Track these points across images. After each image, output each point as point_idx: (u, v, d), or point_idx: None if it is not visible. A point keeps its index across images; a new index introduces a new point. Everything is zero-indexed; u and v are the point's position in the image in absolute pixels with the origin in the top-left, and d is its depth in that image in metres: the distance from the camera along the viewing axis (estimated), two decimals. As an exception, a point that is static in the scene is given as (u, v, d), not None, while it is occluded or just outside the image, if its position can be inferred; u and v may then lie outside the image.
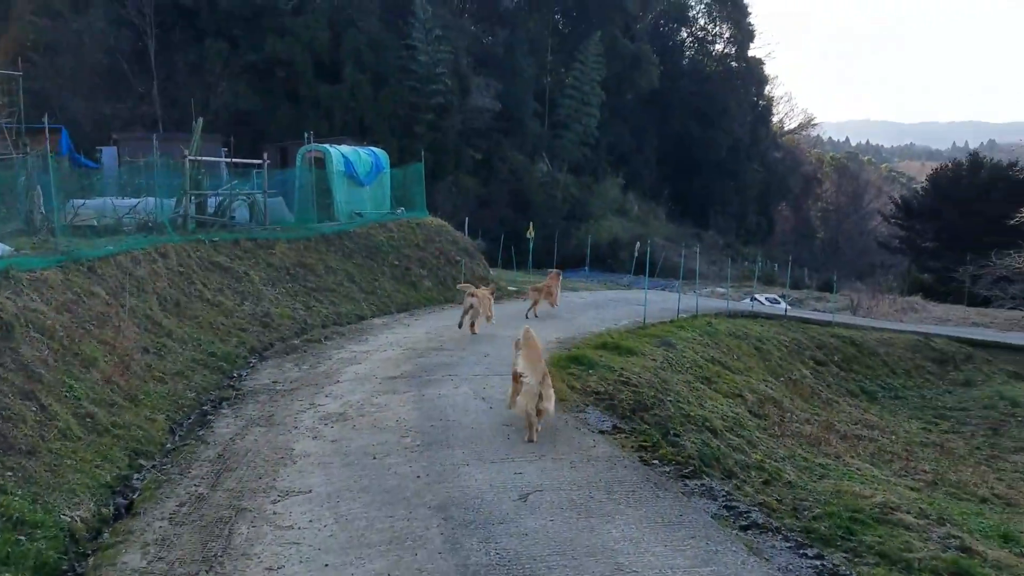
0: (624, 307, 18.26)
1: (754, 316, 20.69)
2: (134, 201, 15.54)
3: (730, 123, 74.03)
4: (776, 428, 12.32)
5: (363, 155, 20.13)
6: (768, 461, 10.22)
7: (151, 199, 15.16)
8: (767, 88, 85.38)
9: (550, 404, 7.42)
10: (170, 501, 5.86)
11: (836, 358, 19.37)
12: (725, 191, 76.68)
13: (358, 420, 7.34)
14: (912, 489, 10.77)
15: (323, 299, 15.11)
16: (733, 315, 19.79)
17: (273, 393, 9.30)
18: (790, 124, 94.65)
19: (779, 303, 26.85)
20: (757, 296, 26.72)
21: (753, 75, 79.35)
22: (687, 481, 6.10)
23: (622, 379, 10.65)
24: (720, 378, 13.43)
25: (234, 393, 9.54)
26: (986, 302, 37.13)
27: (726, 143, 73.30)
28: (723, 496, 5.83)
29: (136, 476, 6.57)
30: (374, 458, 6.10)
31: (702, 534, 5.43)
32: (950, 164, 46.96)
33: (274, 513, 5.41)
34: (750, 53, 77.68)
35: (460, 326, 13.01)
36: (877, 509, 8.70)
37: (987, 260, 36.44)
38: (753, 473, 9.62)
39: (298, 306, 14.33)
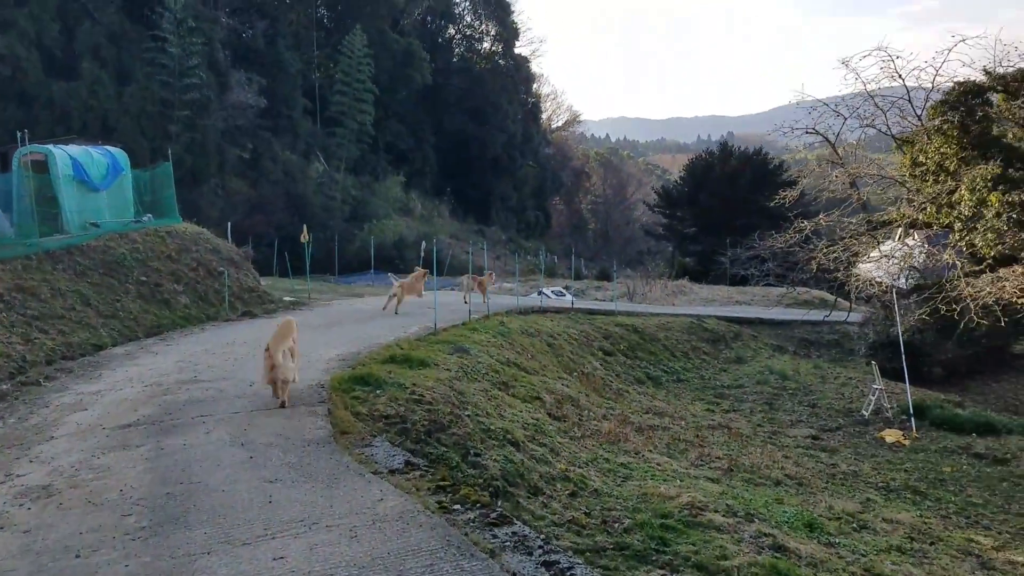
0: (414, 311, 17.07)
1: (543, 311, 20.35)
2: None
3: (503, 120, 75.21)
4: (576, 429, 11.73)
5: (96, 156, 17.25)
6: (572, 469, 9.53)
7: None
8: (535, 86, 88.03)
9: (289, 374, 8.65)
10: None
11: (622, 347, 19.48)
12: (503, 187, 78.04)
13: (68, 494, 5.53)
14: (712, 480, 10.55)
15: (49, 328, 12.50)
16: (524, 312, 19.29)
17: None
18: (558, 122, 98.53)
19: (564, 295, 26.97)
20: (544, 290, 26.66)
21: (521, 73, 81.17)
22: (495, 531, 5.01)
23: (414, 397, 9.46)
24: (517, 381, 12.66)
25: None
26: (744, 280, 40.17)
27: (501, 140, 74.39)
28: (539, 547, 4.80)
29: None
30: (77, 556, 4.40)
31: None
32: (703, 154, 50.63)
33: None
34: (516, 51, 79.23)
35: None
36: (686, 511, 8.25)
37: (741, 240, 39.47)
38: (559, 485, 8.88)
39: (14, 340, 11.69)
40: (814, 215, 49.16)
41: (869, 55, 16.45)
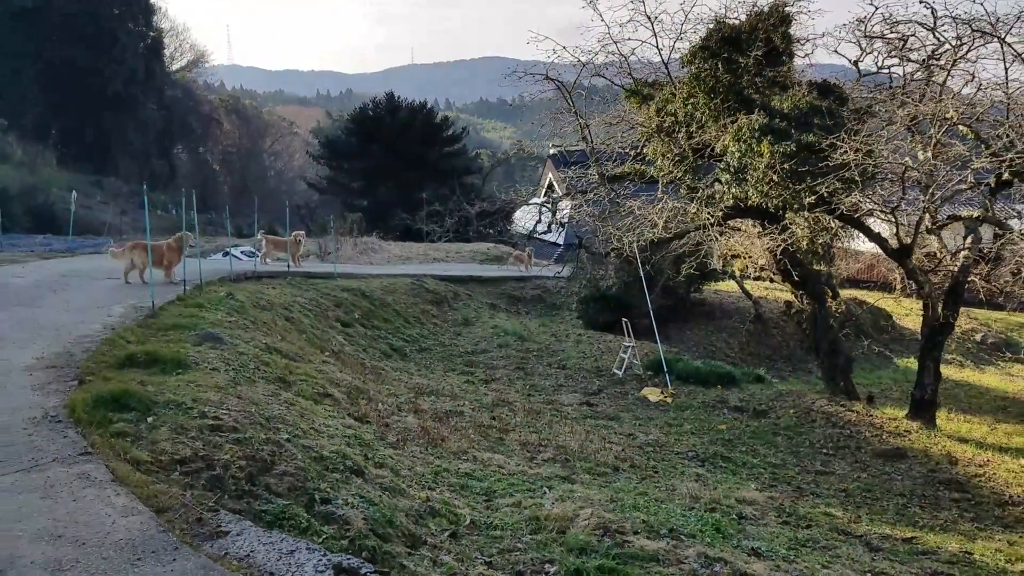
0: (96, 284, 12.74)
1: (258, 277, 16.88)
2: None
3: (122, 53, 64.75)
4: (387, 431, 9.32)
5: None
6: (431, 496, 7.29)
7: None
8: (156, 18, 77.12)
9: None
10: None
11: (356, 315, 16.99)
12: (123, 131, 67.74)
13: None
14: (564, 479, 9.02)
15: None
16: (237, 279, 15.71)
17: None
18: (182, 61, 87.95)
19: (256, 255, 23.26)
20: (231, 250, 22.65)
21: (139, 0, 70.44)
22: None
23: (208, 423, 6.38)
24: (292, 374, 9.75)
25: None
26: (419, 235, 39.21)
27: (120, 76, 64.06)
28: None
29: None
30: None
31: None
32: (369, 104, 48.27)
33: None
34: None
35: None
36: (605, 539, 6.59)
37: (413, 194, 38.48)
38: (431, 525, 6.67)
39: None
40: (477, 171, 50.34)
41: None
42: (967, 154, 11.21)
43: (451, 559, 5.99)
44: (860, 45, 15.21)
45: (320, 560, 4.06)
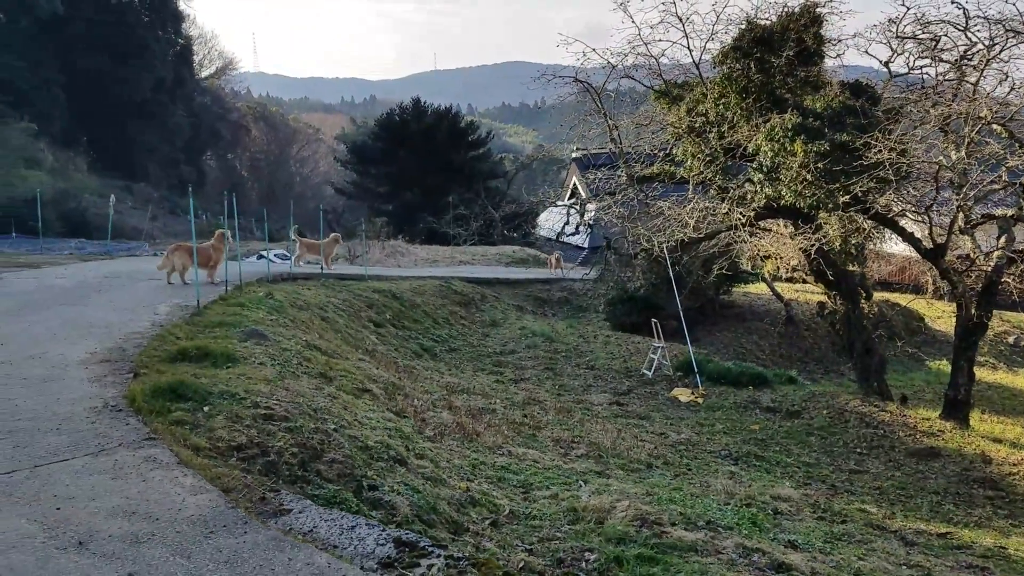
0: (138, 285, 13.06)
1: (294, 279, 17.17)
2: None
3: (151, 60, 65.66)
4: (425, 426, 9.49)
5: None
6: (471, 486, 7.43)
7: None
8: (184, 25, 78.21)
9: None
10: None
11: (388, 316, 17.21)
12: (153, 137, 68.67)
13: None
14: (599, 473, 9.14)
15: None
16: (274, 280, 16.01)
17: None
18: (211, 68, 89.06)
19: (288, 258, 23.61)
20: (264, 253, 23.02)
21: (168, 8, 71.47)
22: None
23: (260, 412, 6.57)
24: (333, 370, 9.96)
25: None
26: (446, 239, 39.46)
27: (148, 83, 64.95)
28: None
29: None
30: None
31: None
32: (396, 110, 48.69)
33: None
34: (161, -19, 69.51)
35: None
36: (644, 530, 6.69)
37: (439, 198, 38.68)
38: (472, 513, 6.81)
39: None
40: (502, 175, 50.51)
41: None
42: (1001, 152, 11.18)
43: (493, 545, 6.14)
44: (891, 46, 15.19)
45: (380, 535, 4.23)
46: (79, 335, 8.99)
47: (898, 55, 15.32)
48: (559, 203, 25.40)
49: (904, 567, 7.18)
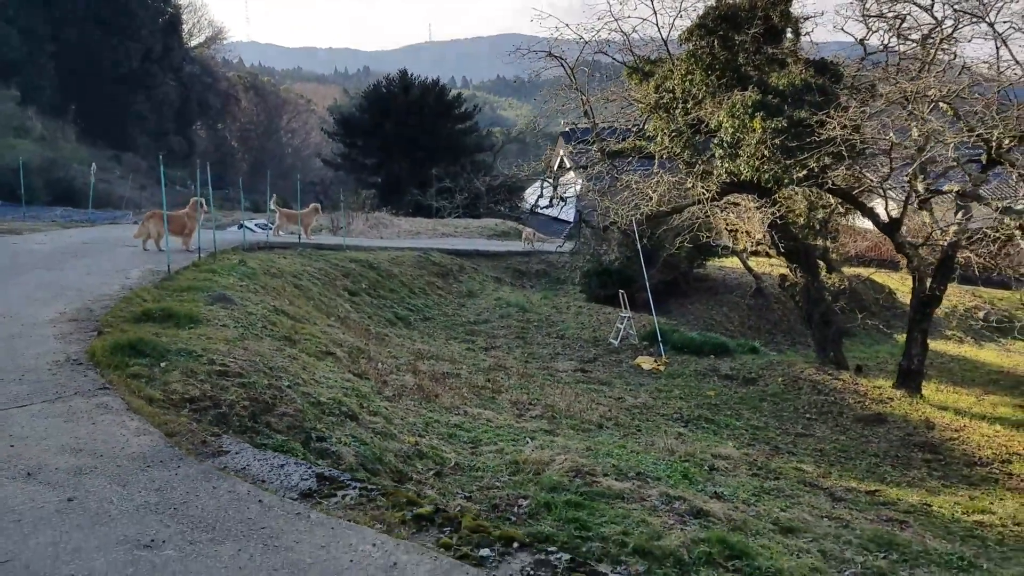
0: (115, 251, 13.43)
1: (270, 247, 17.53)
2: None
3: (139, 28, 65.28)
4: (385, 387, 9.94)
5: None
6: (420, 441, 7.90)
7: None
8: (172, -7, 77.54)
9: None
10: None
11: (363, 285, 17.61)
12: (141, 107, 68.41)
13: None
14: (548, 432, 9.61)
15: None
16: (250, 248, 16.38)
17: None
18: (200, 37, 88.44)
19: (269, 228, 23.95)
20: (245, 223, 23.34)
21: (156, -25, 70.90)
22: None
23: (216, 368, 7.01)
24: (298, 334, 10.38)
25: None
26: (431, 211, 39.75)
27: (137, 52, 64.63)
28: None
29: None
30: None
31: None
32: (383, 81, 48.73)
33: None
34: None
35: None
36: (576, 480, 7.16)
37: (423, 170, 38.91)
38: (419, 464, 7.27)
39: None
40: (489, 148, 50.71)
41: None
42: (940, 129, 11.58)
43: (433, 492, 6.60)
44: (867, 24, 15.52)
45: (306, 471, 4.68)
46: (51, 297, 9.39)
47: (872, 33, 15.67)
48: (542, 177, 25.75)
49: (825, 519, 7.69)
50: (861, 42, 15.78)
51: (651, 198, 15.59)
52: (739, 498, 7.65)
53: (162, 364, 6.77)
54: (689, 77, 15.27)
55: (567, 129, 32.88)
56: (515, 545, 3.86)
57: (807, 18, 15.85)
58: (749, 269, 25.13)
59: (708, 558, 5.57)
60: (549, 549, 3.96)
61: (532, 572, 3.51)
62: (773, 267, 26.76)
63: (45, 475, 4.25)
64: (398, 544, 3.62)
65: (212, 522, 3.77)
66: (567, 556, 3.84)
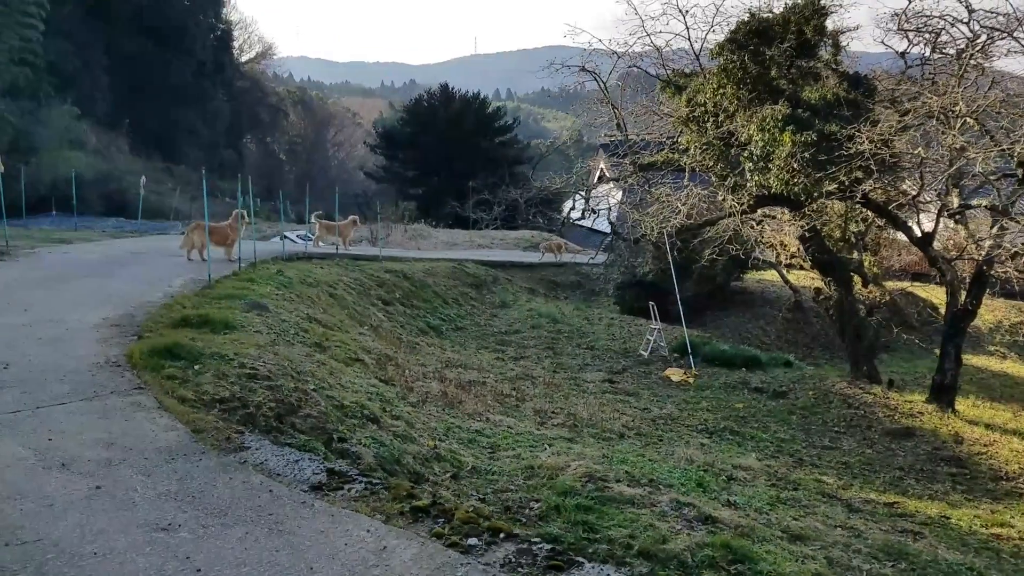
0: (160, 261, 14.03)
1: (309, 258, 18.07)
2: None
3: (191, 44, 67.30)
4: (409, 393, 10.25)
5: None
6: (439, 444, 8.15)
7: None
8: (225, 11, 79.87)
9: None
10: None
11: (398, 295, 18.02)
12: (193, 120, 70.36)
13: None
14: (568, 440, 9.79)
15: None
16: (289, 258, 16.92)
17: None
18: (250, 53, 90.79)
19: (310, 239, 24.56)
20: (288, 234, 24.01)
21: (208, -8, 72.95)
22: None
23: (246, 371, 7.37)
24: (329, 340, 10.76)
25: None
26: (468, 223, 40.23)
27: (189, 67, 66.59)
28: None
29: None
30: None
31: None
32: (424, 95, 49.54)
33: None
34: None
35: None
36: (589, 485, 7.34)
37: (464, 183, 39.39)
38: (436, 467, 7.49)
39: None
40: (528, 160, 51.06)
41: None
42: (965, 146, 11.52)
43: (448, 493, 6.85)
44: (908, 38, 15.45)
45: (318, 467, 4.97)
46: (97, 303, 9.91)
47: (913, 46, 15.60)
48: (576, 189, 25.97)
49: (838, 528, 7.75)
50: (902, 55, 15.70)
51: (679, 211, 15.69)
52: (752, 506, 7.75)
53: (196, 367, 7.15)
54: (721, 91, 15.37)
55: (607, 141, 33.15)
56: (501, 536, 4.10)
57: (844, 31, 15.85)
58: (787, 282, 24.97)
59: (711, 561, 5.71)
60: (533, 540, 4.18)
61: (514, 559, 3.74)
62: (813, 280, 26.54)
63: (78, 466, 4.61)
64: (390, 531, 3.89)
65: (225, 509, 4.08)
66: (548, 546, 4.06)
